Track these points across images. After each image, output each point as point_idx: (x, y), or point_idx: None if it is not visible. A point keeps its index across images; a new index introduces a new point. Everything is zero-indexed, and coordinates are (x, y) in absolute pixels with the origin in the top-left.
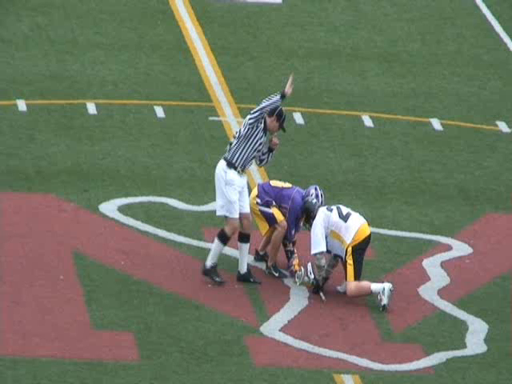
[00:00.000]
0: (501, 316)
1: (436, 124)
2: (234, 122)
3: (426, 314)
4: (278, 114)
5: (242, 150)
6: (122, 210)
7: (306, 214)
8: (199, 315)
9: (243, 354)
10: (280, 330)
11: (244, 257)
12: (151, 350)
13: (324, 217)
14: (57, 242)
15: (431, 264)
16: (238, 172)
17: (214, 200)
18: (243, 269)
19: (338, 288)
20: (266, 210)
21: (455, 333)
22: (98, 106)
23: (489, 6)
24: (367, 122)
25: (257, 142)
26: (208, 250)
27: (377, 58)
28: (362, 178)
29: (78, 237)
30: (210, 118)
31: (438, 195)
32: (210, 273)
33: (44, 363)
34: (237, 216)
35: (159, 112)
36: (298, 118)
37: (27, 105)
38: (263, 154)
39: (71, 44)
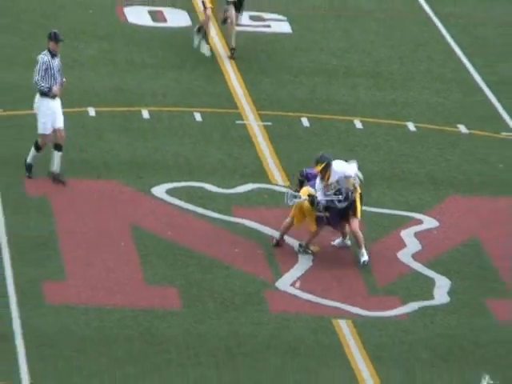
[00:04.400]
0: (461, 274)
1: (411, 126)
2: (255, 125)
3: (402, 273)
4: None
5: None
6: (169, 192)
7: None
8: (228, 273)
9: (262, 303)
10: (291, 285)
11: (56, 159)
12: (191, 300)
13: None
14: (118, 217)
15: (407, 234)
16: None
17: (241, 185)
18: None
19: (334, 243)
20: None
21: (425, 287)
22: (150, 112)
23: (452, 36)
24: (358, 125)
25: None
26: (235, 224)
27: (365, 75)
28: None
29: (135, 213)
30: (237, 122)
31: (412, 181)
32: (29, 168)
33: (108, 311)
34: (47, 132)
35: (198, 117)
36: (305, 121)
37: (96, 111)
38: None
39: (130, 64)
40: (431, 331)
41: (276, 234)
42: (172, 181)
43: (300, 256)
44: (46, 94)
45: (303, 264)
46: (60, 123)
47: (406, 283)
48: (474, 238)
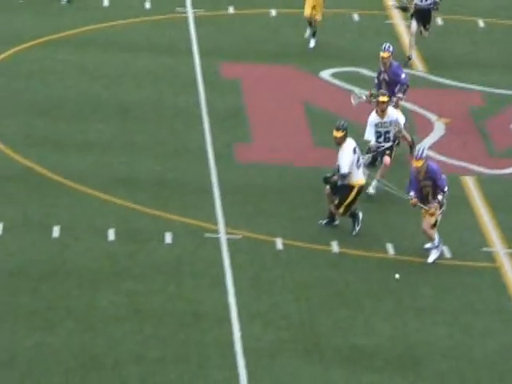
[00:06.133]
0: None
1: None
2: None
3: None
4: None
5: None
6: (334, 75)
7: None
8: None
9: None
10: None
11: None
12: None
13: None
14: (293, 95)
15: None
16: None
17: None
18: None
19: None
20: None
21: None
22: None
23: None
24: None
25: None
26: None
27: None
28: None
29: (306, 92)
30: (385, 22)
31: None
32: None
33: (285, 167)
34: None
35: (355, 17)
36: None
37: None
38: None
39: None
40: None
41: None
42: (332, 67)
43: (435, 125)
44: None
45: (437, 132)
46: None
47: None
48: None
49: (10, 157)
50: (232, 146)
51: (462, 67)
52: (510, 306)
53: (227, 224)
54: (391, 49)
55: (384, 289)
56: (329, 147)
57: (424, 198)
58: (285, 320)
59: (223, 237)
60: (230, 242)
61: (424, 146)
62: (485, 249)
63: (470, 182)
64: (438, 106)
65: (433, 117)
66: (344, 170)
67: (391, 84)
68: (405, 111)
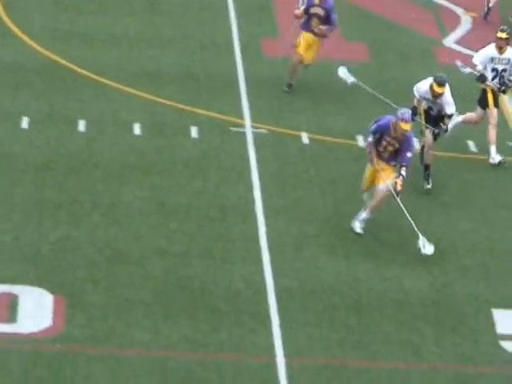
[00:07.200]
0: None
1: None
2: None
3: None
4: None
5: None
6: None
7: None
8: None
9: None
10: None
11: None
12: (377, 53)
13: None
14: None
15: None
16: None
17: None
18: None
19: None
20: None
21: None
22: None
23: None
24: None
25: None
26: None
27: None
28: None
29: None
30: None
31: None
32: None
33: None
34: None
35: None
36: None
37: None
38: None
39: None
40: None
41: None
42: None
43: (462, 18)
44: None
45: (464, 26)
46: None
47: None
48: None
49: (37, 51)
50: (259, 40)
51: None
52: None
53: (253, 118)
54: None
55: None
56: (359, 41)
57: (381, 154)
58: (310, 214)
59: (249, 131)
60: (256, 136)
61: (408, 109)
62: (511, 143)
63: None
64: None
65: (459, 10)
66: (453, 109)
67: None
68: (432, 5)
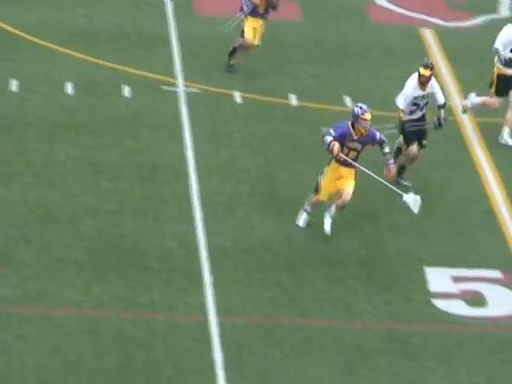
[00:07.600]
0: None
1: None
2: None
3: None
4: None
5: None
6: None
7: None
8: None
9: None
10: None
11: None
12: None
13: None
14: None
15: None
16: None
17: None
18: None
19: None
20: None
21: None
22: None
23: None
24: None
25: None
26: None
27: None
28: None
29: None
30: None
31: None
32: None
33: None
34: None
35: None
36: None
37: None
38: None
39: None
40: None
41: None
42: None
43: None
44: None
45: None
46: None
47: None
48: None
49: None
50: None
51: None
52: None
53: (185, 77)
54: None
55: None
56: (292, 0)
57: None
58: (242, 174)
59: (181, 90)
60: (189, 96)
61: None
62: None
63: (428, 35)
64: None
65: None
66: (443, 97)
67: None
68: None
